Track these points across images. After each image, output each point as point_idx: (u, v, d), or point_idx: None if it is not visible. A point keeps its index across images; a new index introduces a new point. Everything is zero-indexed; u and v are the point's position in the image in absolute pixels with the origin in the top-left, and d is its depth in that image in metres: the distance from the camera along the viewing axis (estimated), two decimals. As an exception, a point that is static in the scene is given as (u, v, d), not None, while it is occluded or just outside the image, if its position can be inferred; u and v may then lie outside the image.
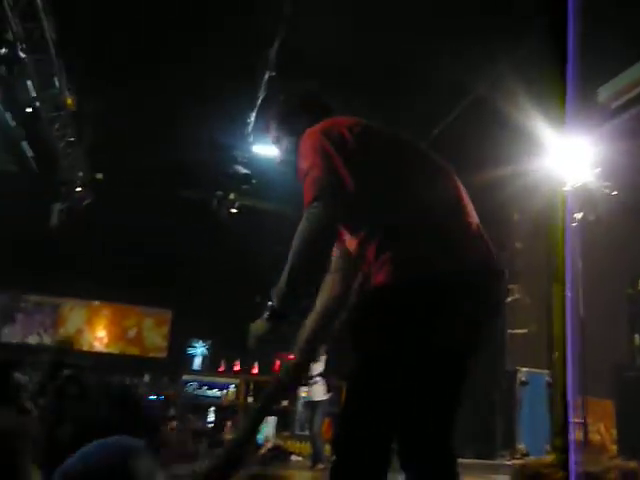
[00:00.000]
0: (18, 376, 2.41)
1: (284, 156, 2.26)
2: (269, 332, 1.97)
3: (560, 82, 5.02)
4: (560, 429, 6.52)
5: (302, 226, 1.87)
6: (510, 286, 8.25)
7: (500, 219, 8.40)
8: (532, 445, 8.02)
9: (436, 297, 1.77)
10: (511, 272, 8.43)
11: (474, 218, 1.95)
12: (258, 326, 1.98)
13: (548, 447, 7.30)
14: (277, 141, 2.31)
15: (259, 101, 6.57)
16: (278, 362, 11.47)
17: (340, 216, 1.88)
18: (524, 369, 8.14)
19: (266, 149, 8.07)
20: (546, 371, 7.60)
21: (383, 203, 1.89)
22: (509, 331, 8.32)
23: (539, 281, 7.80)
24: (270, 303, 1.94)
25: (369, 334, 1.81)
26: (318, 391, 8.03)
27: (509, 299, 8.23)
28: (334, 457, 1.85)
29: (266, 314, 1.97)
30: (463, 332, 1.85)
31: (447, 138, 7.15)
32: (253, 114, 6.86)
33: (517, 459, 7.83)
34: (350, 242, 2.02)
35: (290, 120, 2.25)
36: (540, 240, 7.89)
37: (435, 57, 6.23)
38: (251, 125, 7.08)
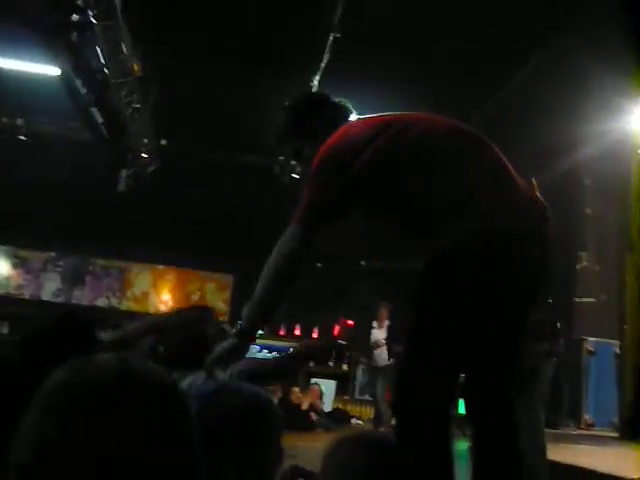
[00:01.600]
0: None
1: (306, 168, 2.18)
2: (236, 351, 2.00)
3: (637, 42, 4.79)
4: (630, 401, 6.37)
5: (276, 248, 2.01)
6: (579, 253, 8.03)
7: (569, 184, 8.14)
8: (598, 416, 7.88)
9: (492, 265, 1.81)
10: (580, 239, 8.20)
11: (527, 195, 1.98)
12: (223, 347, 1.99)
13: (616, 419, 7.16)
14: (297, 155, 2.35)
15: (323, 64, 6.48)
16: (337, 327, 11.56)
17: (310, 246, 1.99)
18: (591, 339, 7.96)
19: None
20: (615, 341, 7.40)
21: (437, 190, 1.90)
22: (576, 299, 8.12)
23: (610, 249, 7.57)
24: (239, 323, 2.02)
25: (436, 299, 1.85)
26: (381, 357, 8.13)
27: (578, 266, 8.02)
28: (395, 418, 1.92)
29: (233, 333, 2.05)
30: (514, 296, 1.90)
31: (516, 100, 6.93)
32: (317, 77, 6.78)
33: (582, 429, 7.72)
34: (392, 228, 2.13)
35: (303, 122, 2.25)
36: (612, 206, 7.63)
37: (503, 15, 6.02)
38: (315, 89, 6.99)
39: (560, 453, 4.75)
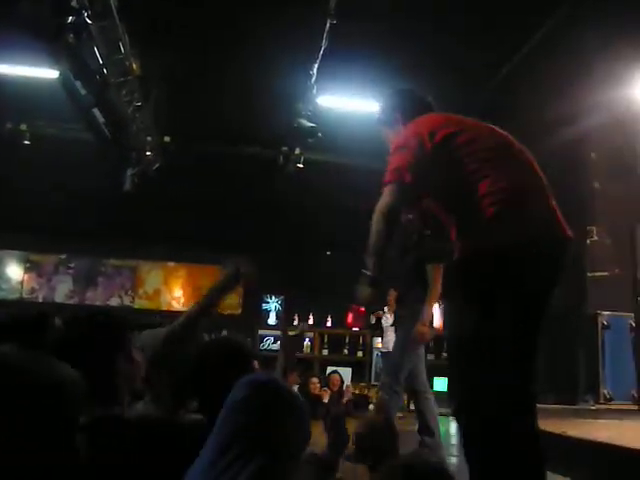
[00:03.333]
0: None
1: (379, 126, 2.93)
2: (372, 296, 2.42)
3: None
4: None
5: (379, 202, 2.37)
6: (589, 228, 7.97)
7: (576, 157, 8.07)
8: (616, 390, 7.85)
9: (522, 260, 2.14)
10: (589, 213, 8.14)
11: (547, 196, 2.32)
12: (363, 293, 2.43)
13: (635, 392, 7.14)
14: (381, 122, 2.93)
15: (321, 51, 6.44)
16: (350, 315, 11.58)
17: (406, 198, 2.39)
18: (605, 313, 7.92)
19: (330, 100, 7.96)
20: (629, 314, 7.37)
21: (483, 188, 2.22)
22: (589, 274, 8.07)
23: (620, 222, 7.50)
24: (367, 272, 2.39)
25: (470, 295, 2.17)
26: (392, 342, 8.10)
27: (588, 241, 7.97)
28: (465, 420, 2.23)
29: (367, 281, 2.41)
30: (537, 286, 2.25)
31: (521, 70, 6.87)
32: (316, 65, 6.74)
33: (601, 404, 7.70)
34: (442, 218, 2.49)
35: (392, 110, 2.84)
36: (620, 179, 7.56)
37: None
38: (314, 77, 6.96)
39: (579, 428, 4.76)
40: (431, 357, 9.41)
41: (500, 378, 2.14)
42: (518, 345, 2.18)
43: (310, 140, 7.84)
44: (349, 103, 8.14)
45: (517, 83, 7.17)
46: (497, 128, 2.55)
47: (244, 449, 1.37)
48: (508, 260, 2.11)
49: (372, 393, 10.29)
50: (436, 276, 4.10)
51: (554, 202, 2.33)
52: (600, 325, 7.80)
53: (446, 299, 2.37)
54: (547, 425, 5.01)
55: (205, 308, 2.63)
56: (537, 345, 2.29)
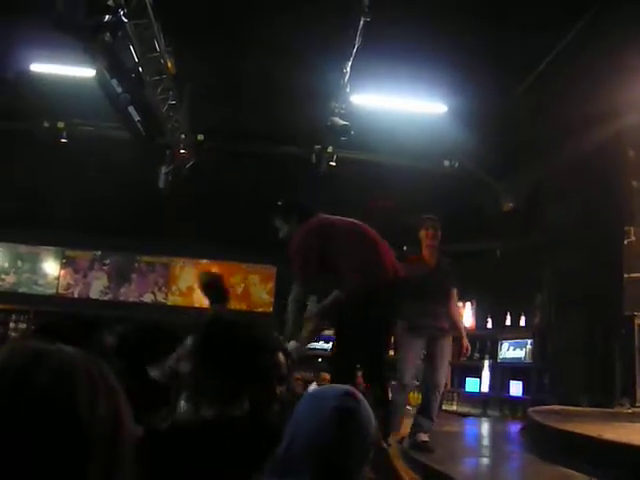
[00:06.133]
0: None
1: (283, 236, 4.65)
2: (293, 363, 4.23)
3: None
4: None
5: (292, 294, 4.31)
6: (626, 228, 7.80)
7: (613, 155, 7.91)
8: (654, 392, 7.67)
9: (371, 295, 4.12)
10: (626, 213, 7.96)
11: (389, 262, 4.35)
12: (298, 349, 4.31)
13: (672, 395, 6.97)
14: (279, 228, 4.67)
15: (355, 49, 6.41)
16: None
17: (308, 288, 4.40)
18: (643, 314, 7.74)
19: (364, 99, 7.94)
20: (668, 316, 7.21)
21: (346, 263, 4.25)
22: (626, 275, 7.90)
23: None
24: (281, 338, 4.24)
25: (348, 312, 4.20)
26: None
27: (625, 241, 7.80)
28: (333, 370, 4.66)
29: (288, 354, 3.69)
30: (382, 310, 4.25)
31: (557, 68, 6.75)
32: (349, 63, 6.72)
33: (637, 407, 7.53)
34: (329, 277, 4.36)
35: (286, 218, 4.59)
36: (659, 177, 7.40)
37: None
38: (347, 75, 6.94)
39: (615, 432, 4.66)
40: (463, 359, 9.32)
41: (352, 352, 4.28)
42: (369, 334, 4.20)
43: (343, 138, 7.82)
44: (383, 101, 8.11)
45: (554, 81, 7.05)
46: (356, 222, 4.49)
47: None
48: (364, 294, 4.11)
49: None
50: None
51: (389, 254, 4.36)
52: (637, 327, 7.64)
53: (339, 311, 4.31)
54: (583, 428, 4.93)
55: None
56: (382, 337, 4.55)
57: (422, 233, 5.49)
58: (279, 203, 4.72)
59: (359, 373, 4.84)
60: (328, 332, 11.37)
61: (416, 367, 5.48)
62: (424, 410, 5.38)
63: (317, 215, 4.48)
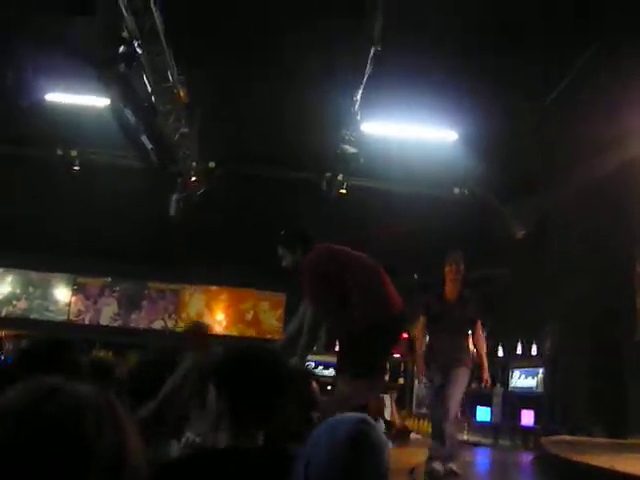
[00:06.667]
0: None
1: (286, 265, 4.50)
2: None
3: None
4: None
5: (307, 322, 4.16)
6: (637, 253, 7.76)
7: (623, 181, 7.84)
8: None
9: (382, 329, 4.07)
10: (637, 238, 7.92)
11: (394, 295, 4.22)
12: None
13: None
14: (283, 256, 4.49)
15: (365, 78, 6.49)
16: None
17: (322, 314, 4.22)
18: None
19: (374, 127, 8.00)
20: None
21: (359, 293, 4.13)
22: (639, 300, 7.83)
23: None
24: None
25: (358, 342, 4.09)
26: None
27: (638, 268, 7.75)
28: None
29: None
30: (393, 339, 4.44)
31: (568, 95, 6.79)
32: (359, 91, 6.79)
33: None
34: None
35: (290, 247, 4.40)
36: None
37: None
38: (357, 103, 7.01)
39: (627, 463, 4.59)
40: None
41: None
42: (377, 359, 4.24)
43: (353, 166, 7.88)
44: (393, 129, 8.17)
45: (565, 107, 7.08)
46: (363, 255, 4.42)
47: None
48: (375, 327, 4.02)
49: (410, 423, 10.13)
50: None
51: (393, 291, 4.23)
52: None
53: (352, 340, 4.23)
54: (595, 459, 4.86)
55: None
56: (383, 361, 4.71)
57: (447, 268, 5.62)
58: (282, 232, 4.59)
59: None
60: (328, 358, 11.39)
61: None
62: (437, 436, 5.38)
63: (323, 244, 4.48)
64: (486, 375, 5.65)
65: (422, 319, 5.61)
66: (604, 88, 6.56)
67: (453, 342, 5.46)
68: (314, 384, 2.56)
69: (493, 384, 10.19)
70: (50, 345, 2.09)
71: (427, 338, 5.69)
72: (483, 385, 5.84)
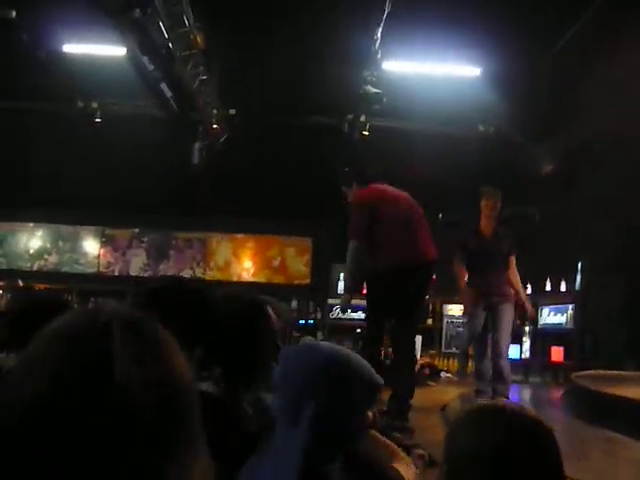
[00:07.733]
0: None
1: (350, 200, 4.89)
2: (347, 300, 5.14)
3: None
4: None
5: (349, 250, 4.68)
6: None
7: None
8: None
9: (403, 273, 4.46)
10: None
11: (426, 243, 4.65)
12: (343, 300, 5.36)
13: None
14: (346, 193, 4.92)
15: (385, 15, 6.30)
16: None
17: (363, 245, 4.60)
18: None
19: (396, 65, 7.82)
20: None
21: (386, 235, 4.57)
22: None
23: None
24: (344, 285, 5.31)
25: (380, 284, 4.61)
26: None
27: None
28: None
29: (345, 293, 5.15)
30: (412, 288, 4.61)
31: (595, 24, 6.54)
32: (379, 29, 6.61)
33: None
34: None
35: (348, 184, 4.87)
36: None
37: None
38: (378, 41, 6.83)
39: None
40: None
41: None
42: (398, 306, 4.63)
43: (376, 107, 7.73)
44: (415, 66, 7.98)
45: (584, 46, 6.84)
46: (407, 198, 4.81)
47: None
48: (397, 269, 4.41)
49: (439, 362, 10.23)
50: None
51: (427, 235, 4.66)
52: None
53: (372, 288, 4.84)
54: (627, 391, 4.86)
55: None
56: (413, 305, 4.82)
57: (482, 203, 5.58)
58: (344, 170, 5.06)
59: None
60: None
61: (475, 336, 5.65)
62: (498, 377, 5.47)
63: (376, 182, 4.84)
64: (529, 307, 5.70)
65: (459, 255, 5.57)
66: (619, 29, 6.30)
67: (495, 277, 5.45)
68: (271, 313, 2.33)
69: (522, 323, 10.21)
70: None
71: (466, 276, 5.67)
72: (530, 317, 6.32)
